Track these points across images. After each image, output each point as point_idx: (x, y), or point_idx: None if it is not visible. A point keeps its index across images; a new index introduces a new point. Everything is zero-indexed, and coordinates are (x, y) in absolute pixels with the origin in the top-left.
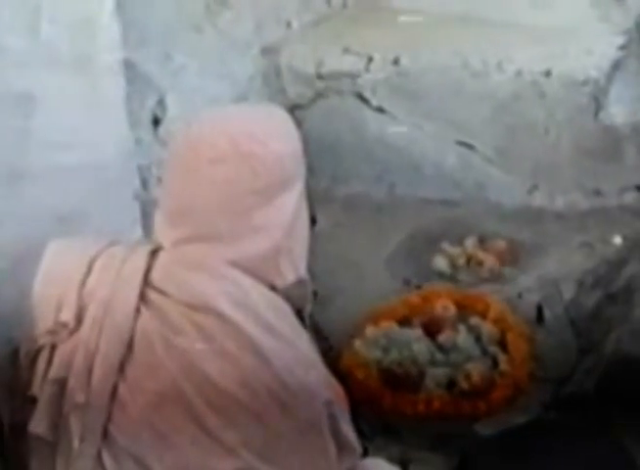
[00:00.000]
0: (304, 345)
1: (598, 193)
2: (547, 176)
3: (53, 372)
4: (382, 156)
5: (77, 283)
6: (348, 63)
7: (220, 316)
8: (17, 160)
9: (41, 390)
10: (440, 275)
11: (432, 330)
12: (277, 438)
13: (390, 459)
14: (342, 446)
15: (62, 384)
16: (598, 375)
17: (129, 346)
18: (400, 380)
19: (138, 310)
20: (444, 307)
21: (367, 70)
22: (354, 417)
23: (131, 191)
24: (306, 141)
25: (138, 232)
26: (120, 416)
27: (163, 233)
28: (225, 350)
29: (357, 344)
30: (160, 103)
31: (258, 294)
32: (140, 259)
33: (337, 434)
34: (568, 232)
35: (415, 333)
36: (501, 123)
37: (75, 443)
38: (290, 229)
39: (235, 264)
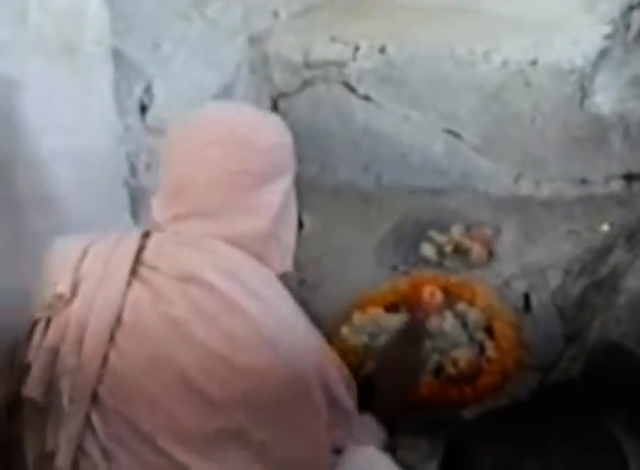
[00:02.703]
0: (291, 311)
1: (584, 181)
2: (533, 165)
3: (47, 341)
4: (369, 144)
5: (73, 263)
6: (335, 51)
7: (209, 286)
8: (4, 146)
9: (36, 357)
10: (427, 262)
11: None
12: (266, 398)
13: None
14: (337, 411)
15: (55, 352)
16: (584, 362)
17: (119, 317)
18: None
19: (130, 284)
20: (431, 294)
21: (354, 58)
22: None
23: (119, 178)
24: (293, 130)
25: (126, 218)
26: (111, 380)
27: (160, 211)
28: (213, 315)
29: (344, 330)
30: (148, 90)
31: (245, 263)
32: (132, 240)
33: (331, 400)
34: (554, 220)
35: (402, 319)
36: (488, 112)
37: (65, 404)
38: (278, 217)
39: (227, 241)
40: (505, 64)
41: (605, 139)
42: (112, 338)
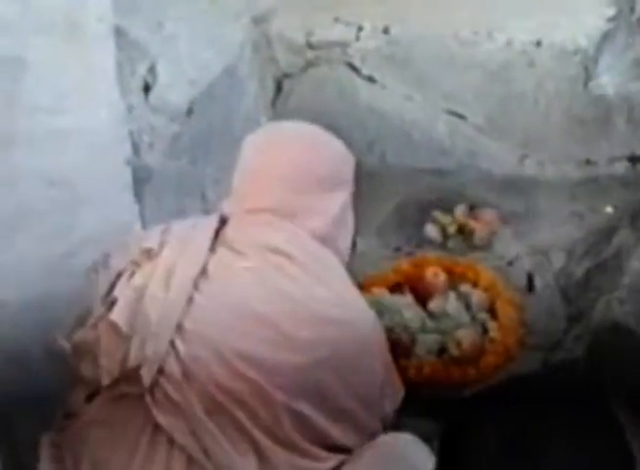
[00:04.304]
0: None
1: (588, 163)
2: (537, 146)
3: (135, 281)
4: (372, 125)
5: (160, 229)
6: (339, 32)
7: (289, 256)
8: (7, 124)
9: (122, 293)
10: (431, 243)
11: (422, 297)
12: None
13: None
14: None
15: (142, 292)
16: (587, 342)
17: (204, 270)
18: (392, 346)
19: (213, 250)
20: (435, 275)
21: (357, 39)
22: None
23: (122, 156)
24: (297, 111)
25: (129, 197)
26: (196, 313)
27: (233, 205)
28: (294, 277)
29: None
30: (151, 70)
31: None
32: (211, 220)
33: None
34: (558, 201)
35: (406, 300)
36: (491, 93)
37: (152, 327)
38: (336, 223)
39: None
40: (509, 44)
41: (609, 120)
42: (196, 286)
